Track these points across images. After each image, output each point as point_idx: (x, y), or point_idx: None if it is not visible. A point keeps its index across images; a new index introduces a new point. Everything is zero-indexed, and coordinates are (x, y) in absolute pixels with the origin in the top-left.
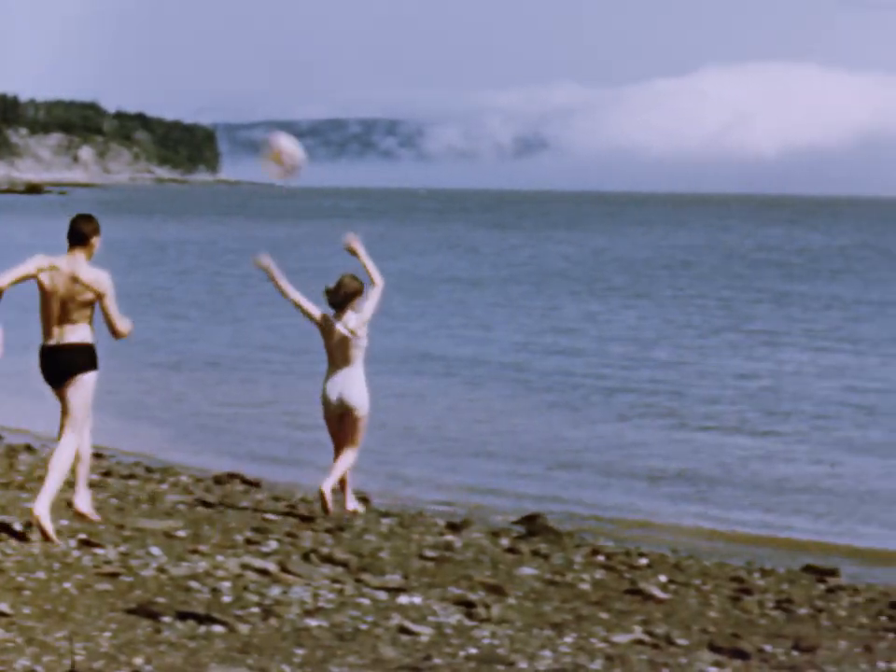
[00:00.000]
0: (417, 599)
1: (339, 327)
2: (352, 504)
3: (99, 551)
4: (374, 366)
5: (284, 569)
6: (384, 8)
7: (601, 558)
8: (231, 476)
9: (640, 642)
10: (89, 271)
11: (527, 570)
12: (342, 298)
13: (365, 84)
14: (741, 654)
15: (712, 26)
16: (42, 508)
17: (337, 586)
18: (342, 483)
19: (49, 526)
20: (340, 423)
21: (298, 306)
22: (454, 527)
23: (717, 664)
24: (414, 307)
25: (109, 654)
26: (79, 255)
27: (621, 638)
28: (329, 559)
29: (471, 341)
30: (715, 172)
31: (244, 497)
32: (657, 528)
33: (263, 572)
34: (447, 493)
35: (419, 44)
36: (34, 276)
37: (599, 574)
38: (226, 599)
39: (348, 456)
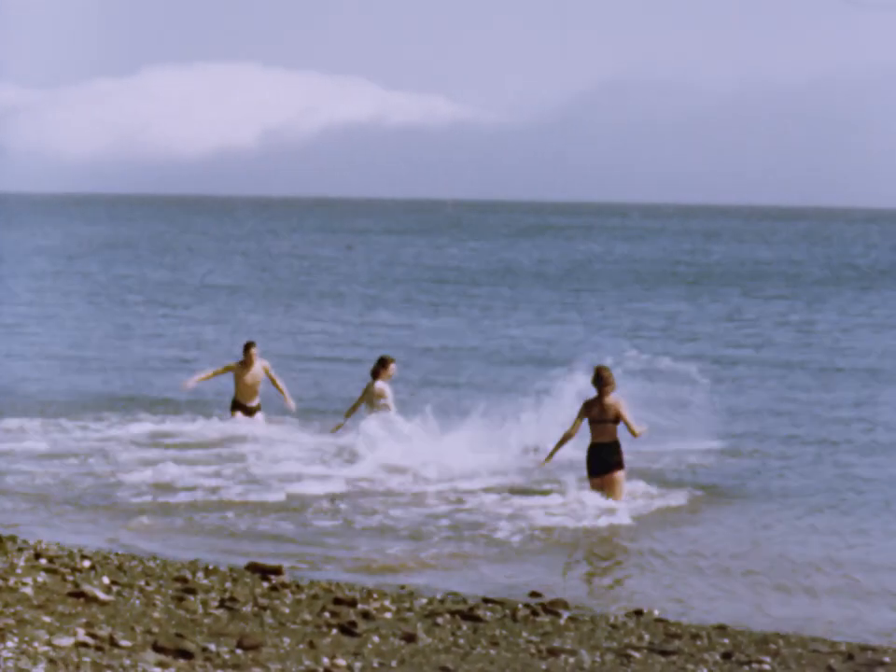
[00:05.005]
0: None
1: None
2: None
3: None
4: None
5: None
6: None
7: (44, 561)
8: None
9: (84, 644)
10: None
11: None
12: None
13: None
14: (185, 654)
15: (158, 26)
16: None
17: None
18: None
19: None
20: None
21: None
22: None
23: (161, 664)
24: None
25: None
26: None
27: (63, 641)
28: None
29: None
30: (145, 172)
31: None
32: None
33: None
34: None
35: None
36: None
37: (42, 577)
38: None
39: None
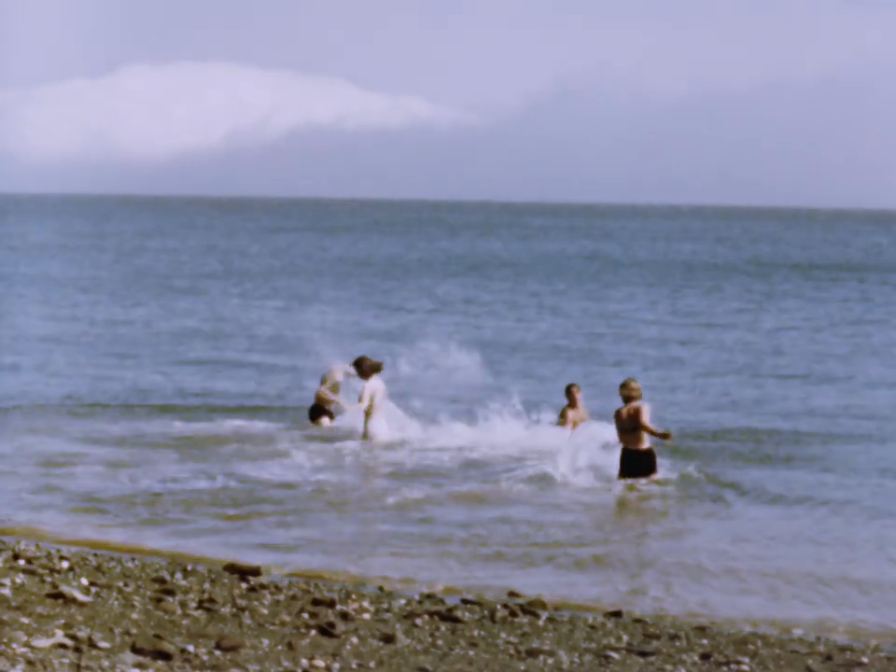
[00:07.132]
0: None
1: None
2: None
3: None
4: None
5: None
6: None
7: (22, 562)
8: None
9: (62, 646)
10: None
11: None
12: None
13: None
14: (164, 655)
15: (137, 24)
16: None
17: None
18: None
19: None
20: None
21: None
22: None
23: (139, 665)
24: None
25: None
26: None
27: (42, 643)
28: None
29: None
30: (117, 173)
31: None
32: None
33: None
34: None
35: None
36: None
37: (21, 578)
38: None
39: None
